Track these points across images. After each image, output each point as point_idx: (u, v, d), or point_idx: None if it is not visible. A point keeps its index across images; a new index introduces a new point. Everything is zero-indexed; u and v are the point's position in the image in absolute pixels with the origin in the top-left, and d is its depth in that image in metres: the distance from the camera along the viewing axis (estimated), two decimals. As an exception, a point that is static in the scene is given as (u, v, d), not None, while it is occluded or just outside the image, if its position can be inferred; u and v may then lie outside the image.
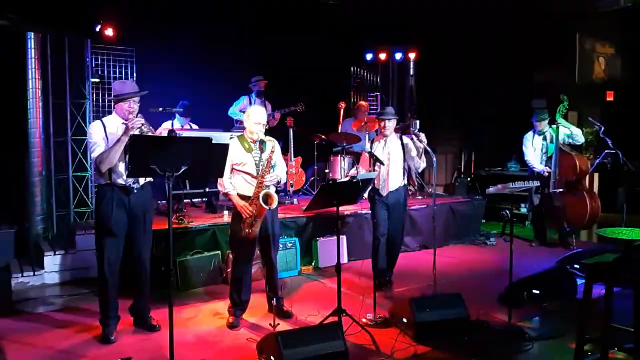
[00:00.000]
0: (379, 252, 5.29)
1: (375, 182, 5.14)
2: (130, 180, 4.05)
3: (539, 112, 7.02)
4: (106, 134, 4.01)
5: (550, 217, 7.08)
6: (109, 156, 3.92)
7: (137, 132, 3.87)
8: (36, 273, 5.58)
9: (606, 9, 8.94)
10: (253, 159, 4.37)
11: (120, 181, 4.03)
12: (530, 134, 7.13)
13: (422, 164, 5.27)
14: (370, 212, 5.54)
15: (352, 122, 8.25)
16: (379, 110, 9.80)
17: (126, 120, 4.03)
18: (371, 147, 5.26)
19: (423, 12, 8.73)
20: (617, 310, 3.63)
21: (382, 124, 5.25)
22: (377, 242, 5.29)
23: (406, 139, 5.31)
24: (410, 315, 4.13)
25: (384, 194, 5.22)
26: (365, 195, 5.19)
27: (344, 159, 7.51)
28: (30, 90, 6.26)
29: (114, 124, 4.08)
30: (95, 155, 3.97)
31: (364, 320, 4.38)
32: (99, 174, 4.02)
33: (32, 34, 6.23)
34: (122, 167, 4.02)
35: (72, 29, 6.49)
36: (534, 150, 7.07)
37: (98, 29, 6.74)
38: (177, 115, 6.61)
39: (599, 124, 7.18)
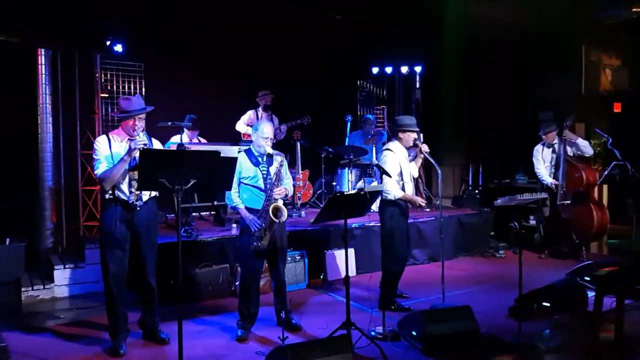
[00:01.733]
0: (401, 274, 5.16)
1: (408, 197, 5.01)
2: (133, 197, 4.06)
3: (546, 124, 7.02)
4: (111, 149, 4.03)
5: (559, 228, 7.04)
6: (111, 174, 3.95)
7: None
8: (46, 286, 5.62)
9: (612, 20, 8.97)
10: (260, 172, 4.40)
11: (123, 196, 4.06)
12: (540, 146, 7.13)
13: (416, 173, 5.34)
14: (379, 224, 5.26)
15: (358, 135, 8.28)
16: (385, 123, 9.84)
17: (131, 137, 4.07)
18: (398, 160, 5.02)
19: (428, 26, 8.78)
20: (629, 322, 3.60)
21: (405, 134, 5.03)
22: (403, 263, 5.14)
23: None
24: (419, 328, 4.11)
25: (417, 205, 5.13)
26: (375, 207, 5.17)
27: (351, 171, 7.52)
28: (41, 106, 6.36)
29: (119, 139, 4.11)
30: (98, 172, 4.00)
31: (372, 333, 4.36)
32: (103, 190, 4.06)
33: (43, 50, 6.32)
34: (125, 184, 4.04)
35: (82, 45, 6.59)
36: (543, 162, 7.07)
37: (107, 44, 6.83)
38: (185, 130, 6.66)
39: (606, 135, 7.17)
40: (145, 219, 4.18)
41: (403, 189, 4.99)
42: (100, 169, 3.99)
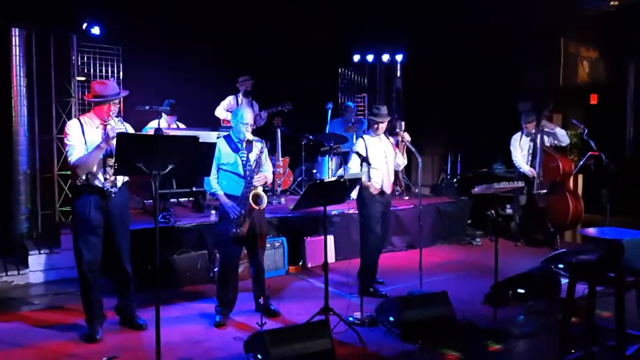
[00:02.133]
0: (377, 254, 5.28)
1: (377, 182, 5.12)
2: (108, 184, 4.00)
3: (527, 114, 7.11)
4: (84, 135, 3.95)
5: (535, 217, 7.16)
6: (87, 161, 3.88)
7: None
8: (20, 272, 5.54)
9: (590, 13, 9.07)
10: (240, 158, 4.37)
11: (97, 183, 3.99)
12: (518, 134, 7.22)
13: (404, 161, 5.39)
14: (358, 212, 5.45)
15: (339, 122, 8.28)
16: (366, 112, 9.86)
17: (105, 122, 4.00)
18: (365, 147, 5.17)
19: (410, 15, 8.79)
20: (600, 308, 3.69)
21: (377, 125, 5.17)
22: (378, 244, 5.26)
23: (391, 139, 5.38)
24: (396, 314, 4.16)
25: (388, 192, 5.22)
26: (354, 195, 5.20)
27: (332, 158, 7.53)
28: (15, 88, 6.21)
29: (92, 124, 4.02)
30: (72, 159, 3.90)
31: (350, 318, 4.40)
32: (75, 176, 3.98)
33: (17, 30, 6.16)
34: (100, 171, 3.97)
35: (58, 25, 6.43)
36: (521, 150, 7.16)
37: (84, 26, 6.68)
38: (164, 114, 6.57)
39: (582, 126, 7.29)
40: (119, 204, 4.12)
41: (369, 174, 5.07)
42: (75, 155, 3.90)
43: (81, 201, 4.00)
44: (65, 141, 3.96)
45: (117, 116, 4.06)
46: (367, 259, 5.24)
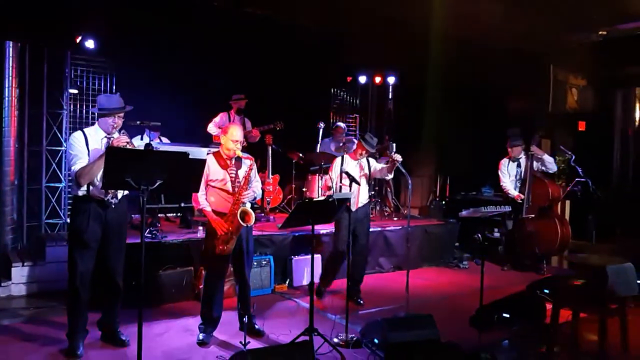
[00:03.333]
0: (340, 265, 5.57)
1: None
2: (109, 195, 4.01)
3: (513, 139, 7.19)
4: (87, 145, 3.97)
5: (522, 241, 7.20)
6: (90, 171, 3.88)
7: None
8: (2, 284, 5.46)
9: (579, 42, 9.25)
10: (229, 175, 4.38)
11: (98, 195, 3.99)
12: (505, 160, 7.30)
13: (390, 175, 5.61)
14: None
15: (330, 142, 8.32)
16: (357, 132, 9.94)
17: (109, 134, 4.02)
18: (341, 164, 5.35)
19: (401, 39, 8.90)
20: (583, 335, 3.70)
21: (363, 151, 5.44)
22: (341, 256, 5.48)
23: (371, 159, 5.66)
24: (381, 336, 4.15)
25: (354, 209, 5.33)
26: None
27: (321, 177, 7.55)
28: (6, 99, 6.19)
29: (96, 136, 4.04)
30: (75, 168, 3.91)
31: (335, 339, 4.38)
32: (77, 186, 3.98)
33: (11, 42, 6.17)
34: (101, 182, 3.97)
35: (52, 40, 6.45)
36: (509, 176, 7.23)
37: (78, 40, 6.71)
38: (147, 130, 6.65)
39: (569, 153, 7.38)
40: (118, 217, 4.13)
41: (340, 189, 5.33)
42: (78, 164, 3.91)
43: (81, 212, 3.99)
44: (69, 151, 3.99)
45: (120, 129, 4.08)
46: (326, 263, 5.69)
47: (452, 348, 4.31)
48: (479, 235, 5.11)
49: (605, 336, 3.41)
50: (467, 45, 8.48)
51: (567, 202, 8.41)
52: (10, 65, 6.20)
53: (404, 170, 5.24)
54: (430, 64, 9.35)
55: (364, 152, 5.46)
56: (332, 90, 10.05)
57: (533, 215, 7.04)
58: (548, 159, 7.11)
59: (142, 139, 6.19)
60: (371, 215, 8.18)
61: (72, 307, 4.07)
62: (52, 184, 6.61)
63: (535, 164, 7.10)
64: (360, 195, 5.48)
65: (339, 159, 5.49)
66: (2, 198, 6.17)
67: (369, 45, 9.11)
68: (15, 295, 5.48)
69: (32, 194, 6.50)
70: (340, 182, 5.31)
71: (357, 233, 5.46)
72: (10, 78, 6.20)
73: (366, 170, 5.56)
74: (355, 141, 6.01)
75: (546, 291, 5.22)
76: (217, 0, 7.77)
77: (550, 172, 7.20)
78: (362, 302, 5.54)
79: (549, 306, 4.69)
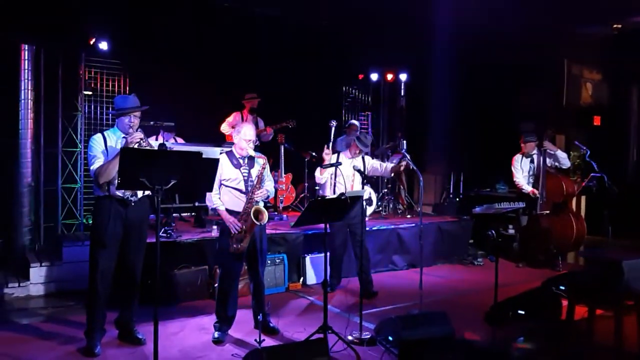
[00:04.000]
0: (339, 262, 5.80)
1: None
2: (128, 193, 4.06)
3: (526, 134, 7.14)
4: (106, 147, 4.04)
5: (537, 238, 7.15)
6: (107, 169, 3.93)
7: (135, 147, 3.90)
8: (21, 284, 5.54)
9: (593, 36, 9.14)
10: (242, 174, 4.40)
11: (118, 193, 4.04)
12: (519, 155, 7.24)
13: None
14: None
15: (343, 140, 8.31)
16: (369, 129, 9.94)
17: (126, 134, 4.08)
18: (337, 160, 5.69)
19: (414, 34, 8.87)
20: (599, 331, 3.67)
21: (358, 150, 5.73)
22: (338, 251, 5.74)
23: (367, 157, 5.93)
24: (395, 333, 4.14)
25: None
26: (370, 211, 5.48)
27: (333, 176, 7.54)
28: (23, 101, 6.29)
29: (115, 137, 4.12)
30: (94, 167, 3.98)
31: (349, 337, 4.38)
32: (98, 185, 4.04)
33: (26, 46, 6.26)
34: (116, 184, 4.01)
35: (66, 43, 6.53)
36: (522, 171, 7.18)
37: (92, 42, 6.78)
38: (161, 130, 6.72)
39: (584, 148, 7.30)
40: (139, 215, 4.18)
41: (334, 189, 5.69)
42: (96, 164, 3.98)
43: (102, 211, 4.05)
44: (89, 152, 4.05)
45: (138, 129, 4.14)
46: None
47: (466, 345, 4.30)
48: (493, 232, 5.10)
49: (622, 333, 3.38)
50: (480, 40, 8.43)
51: (583, 198, 8.33)
52: (26, 68, 6.29)
53: (415, 168, 5.22)
54: (442, 60, 9.30)
55: (357, 151, 5.71)
56: (344, 88, 10.04)
57: (548, 212, 6.98)
58: (561, 154, 7.04)
59: (157, 139, 6.25)
60: (384, 213, 8.23)
61: (91, 305, 4.13)
62: (68, 185, 6.69)
63: (548, 159, 7.04)
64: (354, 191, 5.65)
65: (334, 156, 5.79)
66: (20, 199, 6.28)
67: (380, 42, 9.10)
68: (34, 295, 5.56)
69: (49, 195, 6.60)
70: (335, 178, 5.65)
71: (353, 230, 5.62)
72: (27, 81, 6.29)
73: (360, 167, 5.63)
74: (370, 137, 6.10)
75: (562, 288, 5.19)
76: (229, 0, 7.79)
77: (564, 167, 7.13)
78: (375, 290, 5.67)
79: (564, 303, 4.67)
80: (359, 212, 5.47)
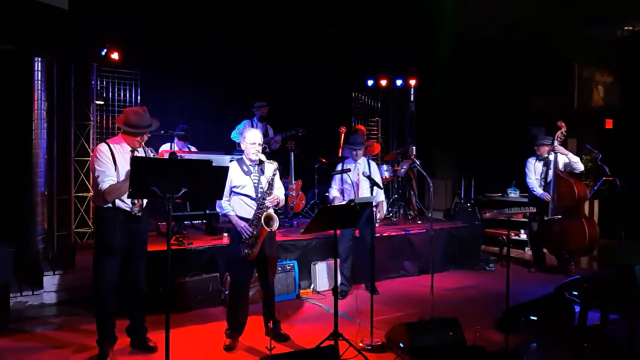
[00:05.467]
0: (350, 268, 5.91)
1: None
2: (136, 209, 4.09)
3: (539, 138, 7.10)
4: (114, 160, 3.99)
5: (549, 243, 7.09)
6: (119, 189, 3.91)
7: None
8: (35, 292, 5.60)
9: (604, 38, 9.09)
10: (252, 181, 4.42)
11: (125, 207, 4.06)
12: (532, 158, 7.19)
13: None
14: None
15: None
16: (379, 136, 9.95)
17: (134, 148, 4.08)
18: (342, 168, 5.95)
19: (422, 41, 8.88)
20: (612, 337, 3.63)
21: (355, 153, 5.96)
22: (348, 249, 5.85)
23: (371, 161, 6.14)
24: (406, 340, 4.13)
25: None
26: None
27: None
28: (36, 112, 6.37)
29: (122, 150, 4.06)
30: (104, 186, 3.90)
31: (360, 344, 4.37)
32: (104, 202, 3.99)
33: (39, 58, 6.35)
34: (126, 195, 3.98)
35: (78, 53, 6.62)
36: (534, 174, 7.13)
37: (103, 52, 6.87)
38: (176, 139, 6.76)
39: (596, 151, 7.24)
40: (142, 226, 4.21)
41: (342, 192, 6.00)
42: (106, 182, 3.91)
43: (107, 223, 4.05)
44: (95, 166, 3.96)
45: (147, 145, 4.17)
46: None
47: (478, 351, 4.27)
48: (504, 237, 5.07)
49: (636, 338, 3.34)
50: (491, 44, 8.42)
51: (595, 202, 8.26)
52: (39, 79, 6.38)
53: (424, 173, 5.22)
54: (451, 64, 9.30)
55: (356, 152, 5.95)
56: (353, 94, 10.06)
57: (560, 216, 6.93)
58: (573, 158, 6.99)
59: (171, 147, 6.30)
60: (395, 219, 8.21)
61: (99, 315, 4.16)
62: (80, 194, 6.76)
63: (561, 163, 6.97)
64: (360, 194, 5.84)
65: (340, 166, 6.04)
66: (34, 208, 6.35)
67: (389, 47, 9.12)
68: (47, 303, 5.62)
69: (62, 203, 6.66)
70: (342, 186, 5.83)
71: (362, 234, 5.74)
72: (40, 92, 6.37)
73: (366, 171, 5.73)
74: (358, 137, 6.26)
75: (575, 293, 5.14)
76: (238, 9, 7.85)
77: (577, 171, 7.07)
78: (377, 292, 5.87)
79: (577, 308, 4.62)
80: (369, 213, 5.52)
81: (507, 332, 4.37)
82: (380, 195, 5.97)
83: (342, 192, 5.99)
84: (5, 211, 6.36)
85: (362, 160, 6.07)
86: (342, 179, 6.00)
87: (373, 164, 6.12)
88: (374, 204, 5.74)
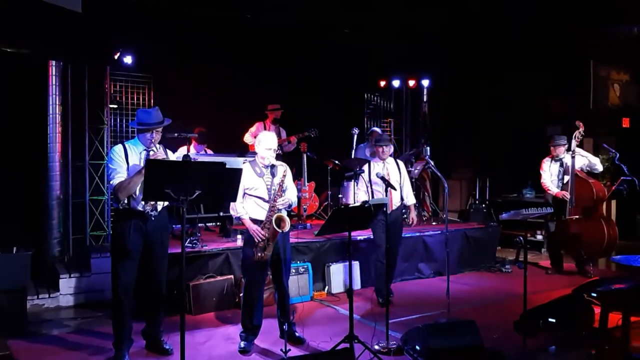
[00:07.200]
0: (382, 276, 5.42)
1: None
2: (149, 208, 4.09)
3: (555, 138, 7.00)
4: (127, 159, 4.05)
5: (567, 244, 6.99)
6: (128, 185, 3.95)
7: None
8: (51, 295, 5.64)
9: (620, 36, 8.97)
10: (264, 183, 4.41)
11: (139, 207, 4.07)
12: (548, 159, 7.09)
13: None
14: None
15: (365, 147, 8.30)
16: (392, 137, 9.90)
17: (148, 148, 4.10)
18: (369, 171, 5.58)
19: (437, 40, 8.82)
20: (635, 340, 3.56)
21: (381, 150, 5.58)
22: (379, 265, 5.46)
23: (399, 161, 5.81)
24: (423, 343, 4.09)
25: (388, 212, 5.26)
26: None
27: (357, 184, 7.52)
28: (51, 116, 6.43)
29: (136, 150, 4.12)
30: (114, 182, 3.98)
31: (376, 347, 4.33)
32: (116, 199, 4.06)
33: (54, 62, 6.41)
34: (141, 195, 4.02)
35: (93, 57, 6.66)
36: (550, 174, 7.04)
37: (117, 56, 6.91)
38: (194, 142, 6.78)
39: (613, 150, 7.13)
40: (159, 227, 4.20)
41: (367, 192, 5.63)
42: (117, 179, 3.98)
43: (122, 225, 4.07)
44: (109, 164, 4.06)
45: (159, 143, 4.16)
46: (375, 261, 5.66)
47: (496, 354, 4.22)
48: (521, 239, 4.99)
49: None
50: (504, 42, 8.34)
51: (613, 202, 8.13)
52: (54, 83, 6.44)
53: (439, 174, 5.18)
54: (465, 64, 9.23)
55: (382, 150, 5.57)
56: (366, 95, 10.02)
57: (578, 216, 6.83)
58: (593, 159, 6.88)
59: (188, 150, 6.33)
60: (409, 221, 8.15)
61: (116, 317, 4.17)
62: (95, 197, 6.80)
63: (580, 164, 6.86)
64: (393, 198, 5.53)
65: (366, 167, 5.69)
66: (49, 212, 6.40)
67: (401, 48, 9.07)
68: (63, 305, 5.66)
69: (77, 207, 6.71)
70: (371, 187, 5.53)
71: (390, 234, 5.44)
72: (54, 96, 6.43)
73: (395, 173, 5.59)
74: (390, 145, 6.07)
75: (594, 294, 5.05)
76: (250, 12, 7.86)
77: (596, 172, 6.96)
78: (392, 295, 5.68)
79: (597, 310, 4.54)
80: (397, 215, 5.54)
81: (525, 335, 4.31)
82: (410, 198, 5.78)
83: (372, 193, 5.63)
84: (22, 215, 6.42)
85: (390, 160, 5.71)
86: (370, 180, 5.65)
87: (402, 165, 5.79)
88: (406, 205, 5.76)
